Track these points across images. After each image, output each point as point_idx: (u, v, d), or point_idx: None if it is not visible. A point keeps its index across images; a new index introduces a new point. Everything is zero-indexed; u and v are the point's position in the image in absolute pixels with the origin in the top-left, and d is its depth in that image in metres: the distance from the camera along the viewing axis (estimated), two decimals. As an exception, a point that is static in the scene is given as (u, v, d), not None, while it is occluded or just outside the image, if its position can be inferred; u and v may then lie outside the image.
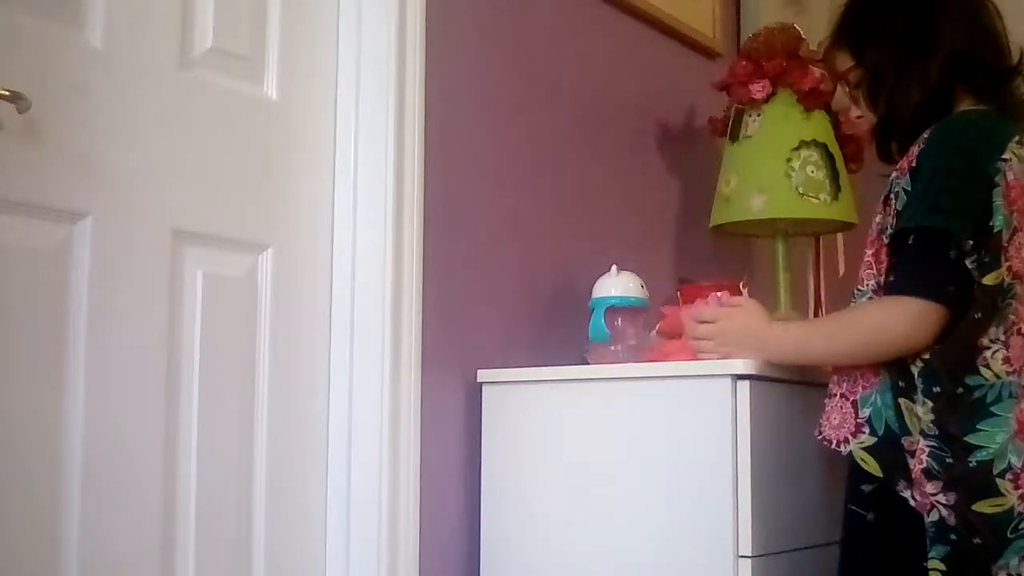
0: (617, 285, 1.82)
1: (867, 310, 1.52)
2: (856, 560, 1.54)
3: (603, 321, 1.78)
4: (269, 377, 1.65)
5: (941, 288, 1.42)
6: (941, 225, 1.41)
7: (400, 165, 1.74)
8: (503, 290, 1.93)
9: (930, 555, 1.41)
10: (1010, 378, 1.41)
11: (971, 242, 1.41)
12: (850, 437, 1.50)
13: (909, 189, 1.46)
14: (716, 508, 1.56)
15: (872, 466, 1.48)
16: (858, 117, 1.64)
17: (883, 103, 1.57)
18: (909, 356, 1.45)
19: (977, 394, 1.41)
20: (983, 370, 1.41)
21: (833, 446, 1.51)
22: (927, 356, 1.43)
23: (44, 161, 1.39)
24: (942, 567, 1.40)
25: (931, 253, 1.44)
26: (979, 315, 1.41)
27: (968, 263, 1.41)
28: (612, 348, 1.78)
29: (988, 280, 1.42)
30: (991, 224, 1.42)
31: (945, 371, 1.42)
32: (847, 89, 1.64)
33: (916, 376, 1.44)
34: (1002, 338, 1.41)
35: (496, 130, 1.96)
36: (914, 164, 1.48)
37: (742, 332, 1.61)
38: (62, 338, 1.40)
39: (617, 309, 1.80)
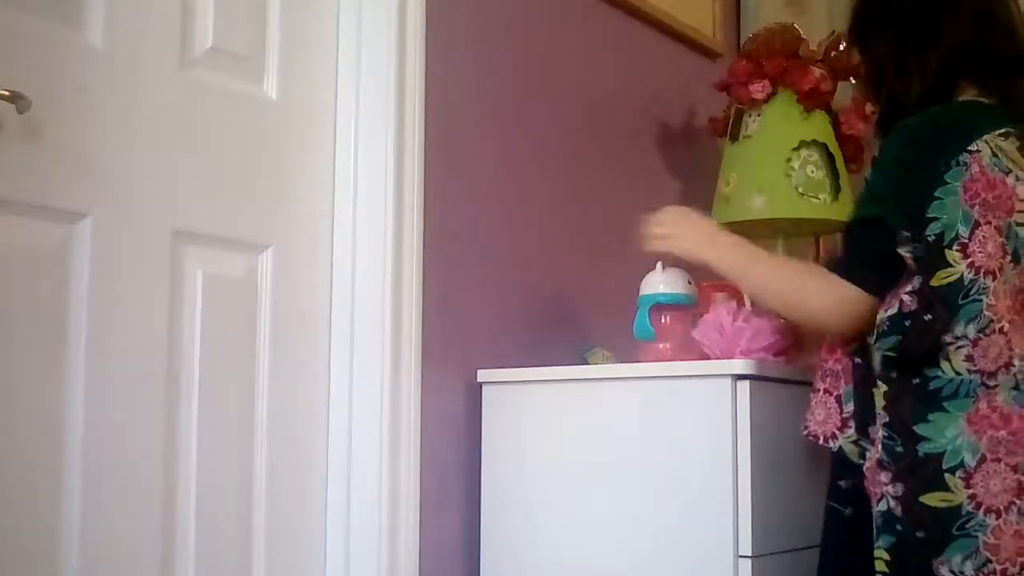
0: (665, 282, 1.75)
1: (814, 273, 1.53)
2: (834, 556, 1.54)
3: (648, 319, 1.72)
4: (269, 377, 1.65)
5: (868, 279, 1.44)
6: (876, 213, 1.44)
7: (400, 165, 1.74)
8: (503, 290, 1.93)
9: (876, 544, 1.41)
10: (970, 376, 1.38)
11: (907, 233, 1.41)
12: (837, 432, 1.50)
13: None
14: (716, 508, 1.56)
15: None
16: (873, 112, 1.63)
17: (884, 95, 1.56)
18: (869, 342, 1.45)
19: (932, 385, 1.40)
20: (943, 363, 1.39)
21: (821, 441, 1.51)
22: (889, 351, 1.42)
23: (44, 161, 1.39)
24: (886, 556, 1.40)
25: (863, 243, 1.47)
26: (929, 316, 1.39)
27: (903, 251, 1.41)
28: (660, 346, 1.73)
29: (936, 281, 1.40)
30: (928, 215, 1.40)
31: (904, 361, 1.42)
32: (860, 84, 1.63)
33: (878, 364, 1.44)
34: (971, 336, 1.38)
35: (496, 130, 1.96)
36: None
37: (695, 229, 1.63)
38: (62, 338, 1.40)
39: (663, 306, 1.75)
